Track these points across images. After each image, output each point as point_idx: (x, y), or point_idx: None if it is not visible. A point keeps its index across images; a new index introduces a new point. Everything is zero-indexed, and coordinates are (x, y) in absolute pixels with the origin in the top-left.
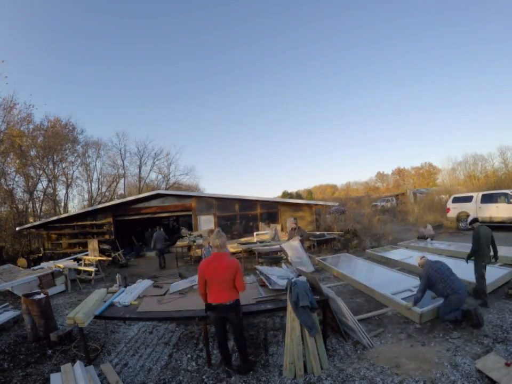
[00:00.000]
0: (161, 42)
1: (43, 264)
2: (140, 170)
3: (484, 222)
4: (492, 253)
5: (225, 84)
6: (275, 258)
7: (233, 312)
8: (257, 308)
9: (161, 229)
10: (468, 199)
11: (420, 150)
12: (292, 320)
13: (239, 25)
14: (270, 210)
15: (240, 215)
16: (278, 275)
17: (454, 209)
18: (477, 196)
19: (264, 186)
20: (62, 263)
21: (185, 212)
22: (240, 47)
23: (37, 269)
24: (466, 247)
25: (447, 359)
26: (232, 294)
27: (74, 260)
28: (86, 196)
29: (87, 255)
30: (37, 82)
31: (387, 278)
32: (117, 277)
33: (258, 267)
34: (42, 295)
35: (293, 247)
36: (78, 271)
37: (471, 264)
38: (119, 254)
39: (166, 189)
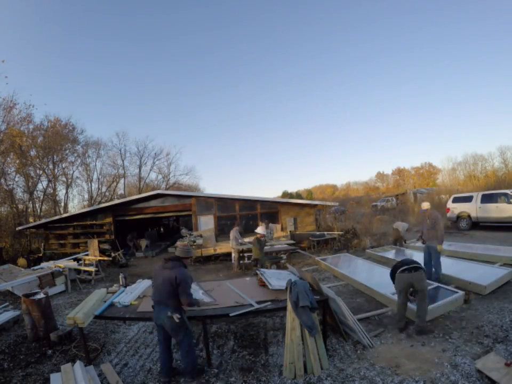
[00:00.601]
0: (161, 41)
1: (43, 264)
2: (140, 170)
3: (484, 222)
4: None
5: (225, 83)
6: (275, 258)
7: None
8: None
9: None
10: (468, 199)
11: (420, 150)
12: (292, 320)
13: (239, 23)
14: (270, 210)
15: (240, 215)
16: (277, 276)
17: (454, 209)
18: (477, 196)
19: (264, 186)
20: (62, 263)
21: (185, 211)
22: (241, 46)
23: (37, 269)
24: (467, 247)
25: (447, 359)
26: None
27: (74, 259)
28: (86, 196)
29: (87, 255)
30: (37, 82)
31: (387, 278)
32: (120, 276)
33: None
34: (42, 295)
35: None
36: (78, 271)
37: (470, 264)
38: (119, 254)
39: (166, 189)
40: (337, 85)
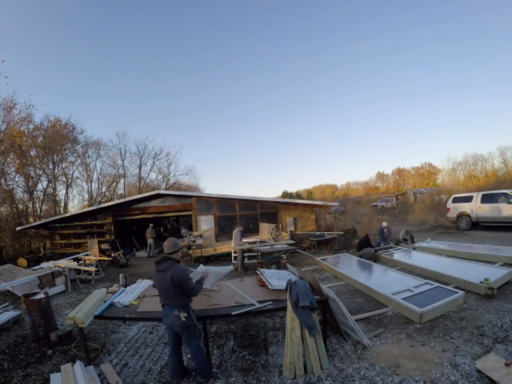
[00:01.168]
0: (161, 40)
1: (43, 264)
2: (140, 170)
3: (484, 222)
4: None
5: (225, 83)
6: (275, 258)
7: None
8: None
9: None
10: (468, 199)
11: (420, 150)
12: (292, 320)
13: (239, 22)
14: (270, 210)
15: (240, 215)
16: (277, 276)
17: (454, 209)
18: (477, 196)
19: (264, 186)
20: (62, 263)
21: (185, 211)
22: (241, 46)
23: (37, 269)
24: (467, 247)
25: (447, 359)
26: None
27: (74, 259)
28: (86, 196)
29: (87, 255)
30: (37, 82)
31: (387, 278)
32: (120, 276)
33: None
34: (42, 295)
35: None
36: (78, 271)
37: (470, 264)
38: (119, 254)
39: (166, 189)
40: (337, 84)
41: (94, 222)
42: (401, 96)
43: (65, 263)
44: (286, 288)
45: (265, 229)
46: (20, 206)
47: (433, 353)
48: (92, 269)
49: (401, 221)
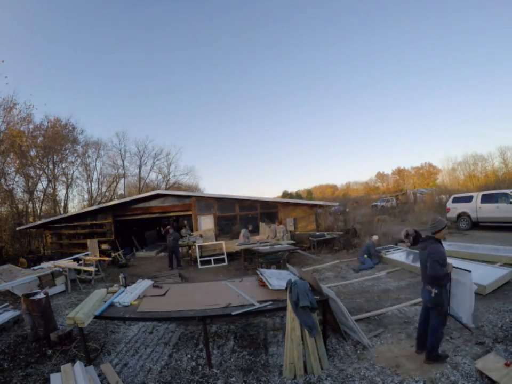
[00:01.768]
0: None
1: (43, 264)
2: (140, 170)
3: (484, 222)
4: None
5: (225, 82)
6: (275, 258)
7: None
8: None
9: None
10: (468, 199)
11: (420, 150)
12: (292, 320)
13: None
14: (270, 210)
15: (240, 215)
16: (277, 276)
17: (454, 209)
18: (477, 195)
19: (264, 186)
20: (62, 263)
21: (185, 211)
22: (241, 45)
23: (37, 269)
24: (467, 247)
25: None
26: None
27: (74, 259)
28: (86, 196)
29: (87, 255)
30: (37, 82)
31: None
32: (120, 276)
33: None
34: (42, 295)
35: None
36: (78, 271)
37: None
38: (119, 254)
39: (166, 189)
40: (337, 84)
41: (94, 222)
42: (402, 96)
43: (65, 263)
44: (286, 288)
45: (266, 229)
46: (20, 206)
47: None
48: (92, 269)
49: (402, 221)
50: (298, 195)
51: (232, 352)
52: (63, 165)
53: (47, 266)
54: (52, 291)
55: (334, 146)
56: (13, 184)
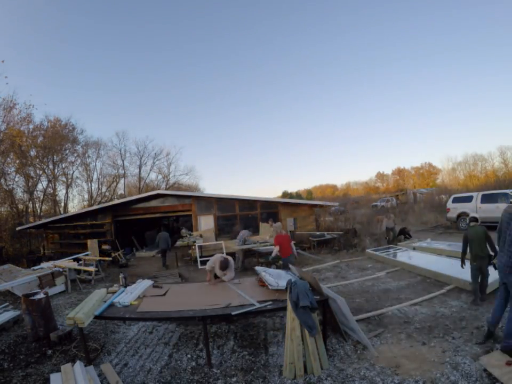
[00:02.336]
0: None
1: (43, 264)
2: (140, 170)
3: (484, 222)
4: (491, 253)
5: (225, 82)
6: (275, 258)
7: None
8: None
9: (164, 230)
10: (468, 199)
11: (420, 150)
12: (292, 320)
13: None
14: (270, 210)
15: (240, 215)
16: (277, 276)
17: (454, 209)
18: (477, 196)
19: (264, 186)
20: (62, 263)
21: (185, 211)
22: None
23: (37, 269)
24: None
25: (447, 359)
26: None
27: (74, 259)
28: (86, 196)
29: (87, 255)
30: (37, 82)
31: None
32: (120, 276)
33: (258, 268)
34: (42, 295)
35: None
36: (78, 271)
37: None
38: (119, 254)
39: (166, 189)
40: (337, 84)
41: (94, 222)
42: (402, 96)
43: (65, 263)
44: (286, 288)
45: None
46: (20, 206)
47: (433, 353)
48: (92, 269)
49: (402, 221)
50: (298, 195)
51: (232, 352)
52: (63, 165)
53: (47, 266)
54: (52, 291)
55: (334, 146)
56: (13, 184)
